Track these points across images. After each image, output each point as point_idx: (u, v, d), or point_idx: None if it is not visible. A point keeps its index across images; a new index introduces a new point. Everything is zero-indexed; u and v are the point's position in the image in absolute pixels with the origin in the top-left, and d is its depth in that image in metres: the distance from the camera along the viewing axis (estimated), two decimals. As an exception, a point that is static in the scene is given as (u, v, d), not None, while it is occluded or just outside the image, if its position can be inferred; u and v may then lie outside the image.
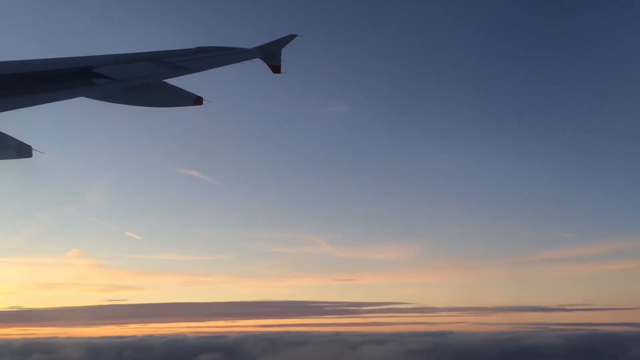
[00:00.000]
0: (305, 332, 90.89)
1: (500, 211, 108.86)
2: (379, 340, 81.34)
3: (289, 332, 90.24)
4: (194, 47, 11.71)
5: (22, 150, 7.03)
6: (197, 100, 9.95)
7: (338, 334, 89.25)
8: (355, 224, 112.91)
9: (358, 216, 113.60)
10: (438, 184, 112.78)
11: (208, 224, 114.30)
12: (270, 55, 12.73)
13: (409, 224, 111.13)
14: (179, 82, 9.93)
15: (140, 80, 9.44)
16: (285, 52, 12.87)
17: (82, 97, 8.19)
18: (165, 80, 9.70)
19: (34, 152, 7.04)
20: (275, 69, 12.97)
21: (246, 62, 11.66)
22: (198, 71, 10.31)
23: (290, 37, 12.96)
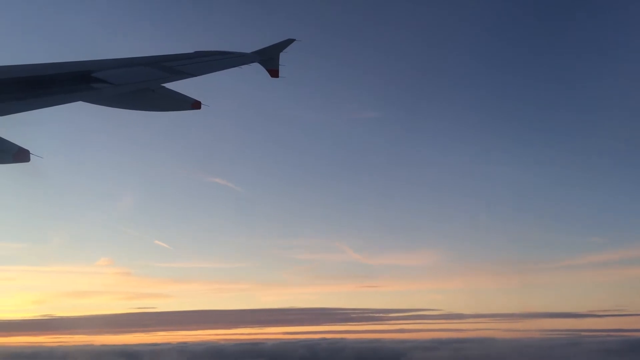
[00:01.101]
0: (342, 339, 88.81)
1: (530, 216, 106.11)
2: (424, 347, 78.98)
3: (325, 339, 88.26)
4: (192, 51, 11.71)
5: (19, 155, 6.98)
6: (196, 105, 9.81)
7: (377, 340, 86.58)
8: (381, 230, 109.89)
9: (383, 222, 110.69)
10: (466, 189, 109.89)
11: (234, 232, 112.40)
12: (269, 59, 12.73)
13: (436, 229, 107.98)
14: (183, 86, 9.88)
15: (138, 85, 9.41)
16: (284, 57, 12.89)
17: (80, 102, 8.16)
18: (164, 85, 9.69)
19: (32, 156, 6.99)
20: (274, 73, 12.96)
21: (252, 68, 11.66)
22: (196, 75, 10.30)
23: (289, 42, 12.97)
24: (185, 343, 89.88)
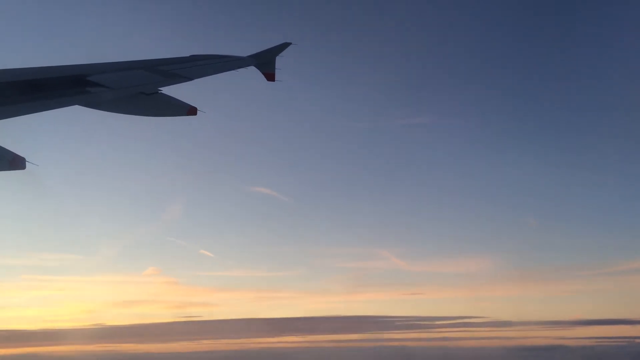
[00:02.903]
0: (407, 346, 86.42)
1: (582, 219, 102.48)
2: (497, 355, 76.62)
3: (389, 347, 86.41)
4: (188, 55, 11.66)
5: (15, 162, 6.96)
6: (192, 111, 9.75)
7: (444, 348, 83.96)
8: (424, 237, 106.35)
9: (427, 228, 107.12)
10: (512, 193, 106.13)
11: (278, 241, 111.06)
12: (265, 63, 12.71)
13: (482, 235, 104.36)
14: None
15: (135, 89, 9.34)
16: (280, 60, 12.86)
17: (79, 106, 8.09)
18: (161, 89, 9.63)
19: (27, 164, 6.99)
20: (270, 77, 12.94)
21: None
22: (193, 79, 10.24)
23: (285, 45, 12.94)
24: (242, 350, 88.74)
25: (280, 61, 12.86)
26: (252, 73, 12.46)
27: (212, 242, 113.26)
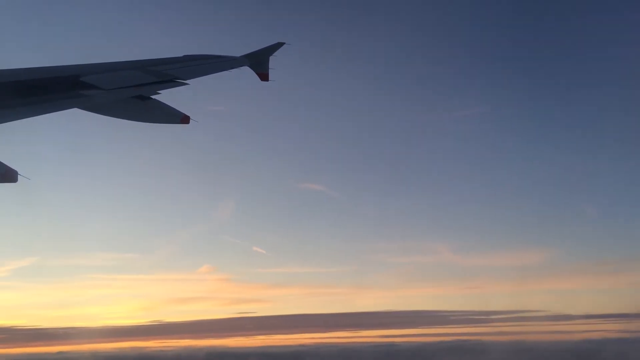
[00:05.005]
0: (480, 340, 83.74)
1: None
2: (581, 348, 74.15)
3: (463, 340, 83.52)
4: (181, 55, 11.30)
5: (7, 175, 6.97)
6: (185, 119, 9.89)
7: (520, 342, 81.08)
8: (479, 230, 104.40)
9: (483, 221, 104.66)
10: (571, 185, 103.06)
11: (330, 237, 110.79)
12: (258, 63, 12.42)
13: (540, 227, 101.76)
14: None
15: (128, 90, 8.98)
16: (273, 60, 12.58)
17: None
18: (158, 92, 9.30)
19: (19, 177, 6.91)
20: (263, 77, 12.66)
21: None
22: (187, 79, 9.94)
23: (278, 45, 12.66)
24: (298, 345, 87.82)
25: (273, 61, 12.58)
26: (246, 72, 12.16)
27: (264, 239, 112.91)
